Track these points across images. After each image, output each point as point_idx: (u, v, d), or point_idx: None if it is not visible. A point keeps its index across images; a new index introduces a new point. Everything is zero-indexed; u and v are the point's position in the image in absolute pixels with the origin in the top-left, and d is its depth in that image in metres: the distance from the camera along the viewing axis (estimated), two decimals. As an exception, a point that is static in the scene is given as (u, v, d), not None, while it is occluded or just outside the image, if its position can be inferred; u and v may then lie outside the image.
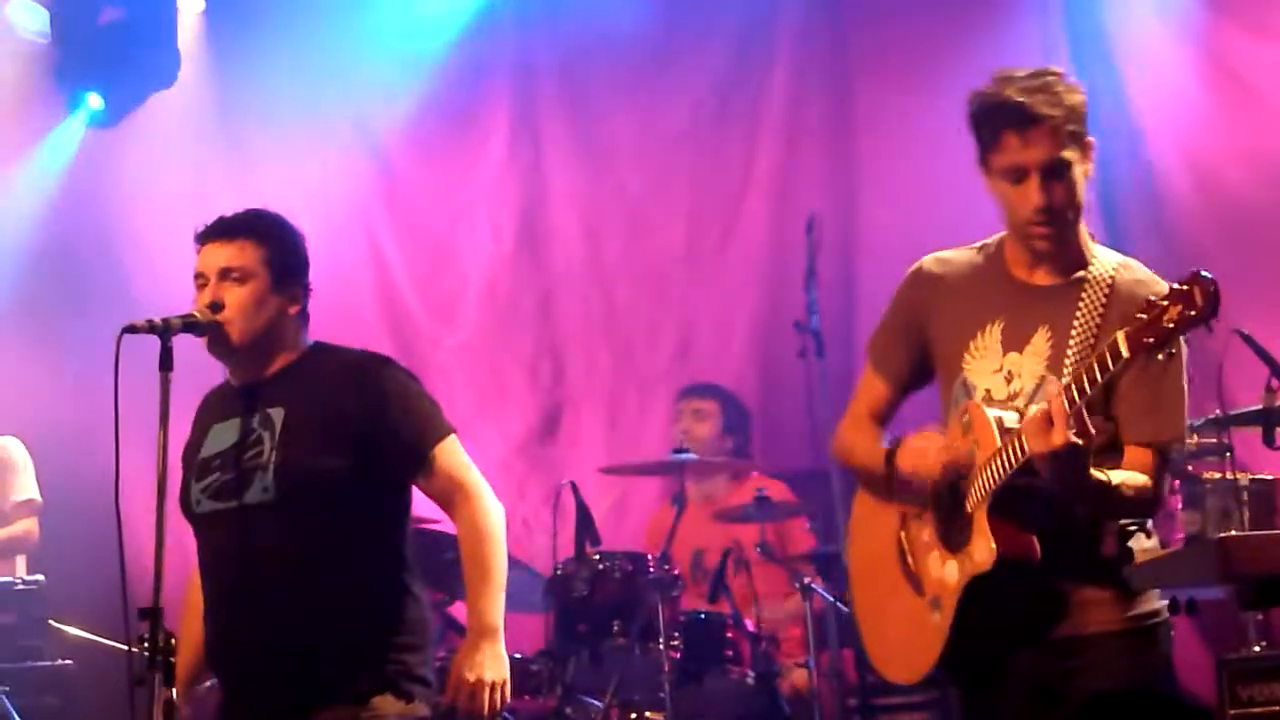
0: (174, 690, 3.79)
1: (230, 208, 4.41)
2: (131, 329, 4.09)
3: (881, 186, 7.87)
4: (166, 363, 4.06)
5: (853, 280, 7.89)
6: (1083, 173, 3.74)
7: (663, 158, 8.38)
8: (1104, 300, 3.71)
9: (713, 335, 8.20)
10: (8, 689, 6.38)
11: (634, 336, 8.38)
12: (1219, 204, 6.98)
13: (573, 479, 6.31)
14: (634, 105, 8.43)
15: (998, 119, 3.71)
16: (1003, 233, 3.92)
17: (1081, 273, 3.77)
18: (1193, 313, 3.24)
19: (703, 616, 6.22)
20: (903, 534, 3.90)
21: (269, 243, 4.31)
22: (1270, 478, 5.78)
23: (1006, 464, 3.55)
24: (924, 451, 3.78)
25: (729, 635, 6.13)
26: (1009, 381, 3.77)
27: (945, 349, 3.91)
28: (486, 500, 4.28)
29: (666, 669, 5.75)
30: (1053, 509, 3.58)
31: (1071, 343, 3.68)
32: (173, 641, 3.85)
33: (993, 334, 3.82)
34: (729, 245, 8.21)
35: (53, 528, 7.22)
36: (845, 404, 7.74)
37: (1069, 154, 3.70)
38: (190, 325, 4.20)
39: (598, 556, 6.07)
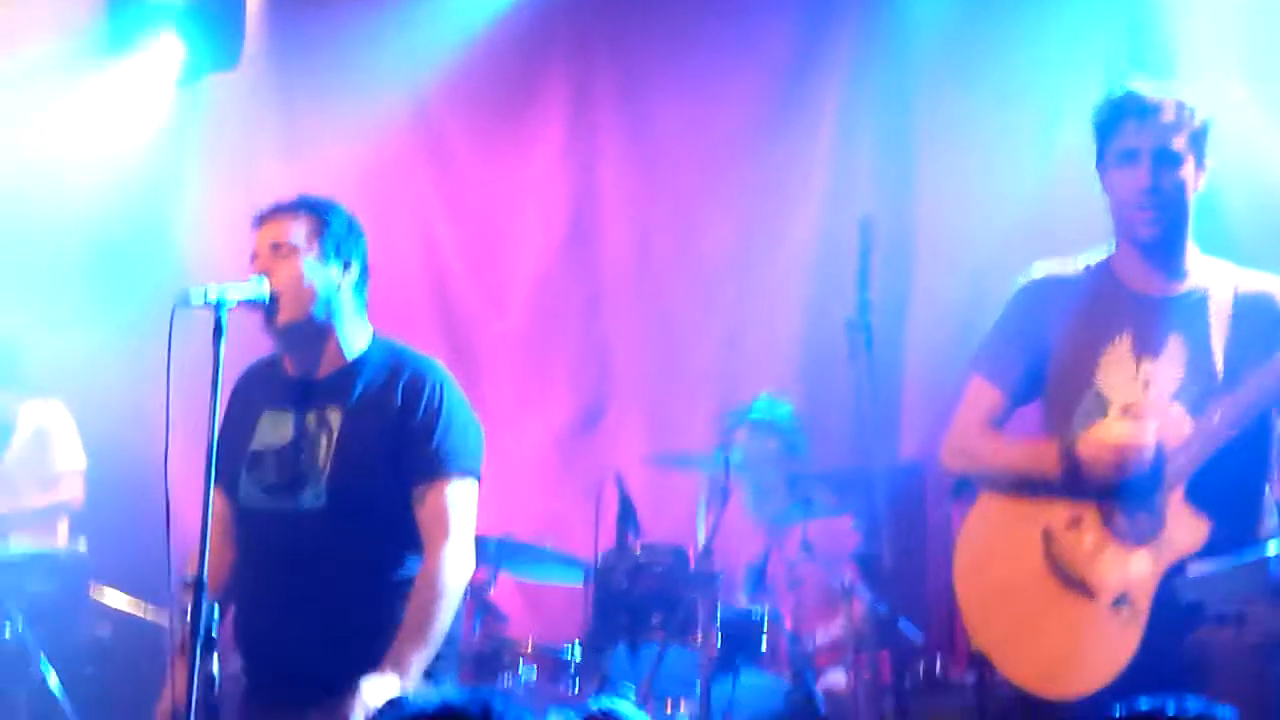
0: (215, 664, 3.81)
1: (284, 190, 4.49)
2: (186, 301, 4.12)
3: (939, 190, 7.81)
4: (220, 334, 4.09)
5: (908, 284, 7.83)
6: (1194, 180, 3.97)
7: (716, 155, 8.34)
8: (1230, 304, 3.91)
9: (761, 336, 8.15)
10: (46, 658, 6.40)
11: (682, 336, 8.33)
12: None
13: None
14: (688, 102, 8.39)
15: (1122, 109, 3.96)
16: (1102, 248, 4.11)
17: (1198, 282, 3.98)
18: None
19: (741, 613, 6.20)
20: (1053, 549, 3.95)
21: (317, 216, 4.39)
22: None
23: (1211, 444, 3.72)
24: (1103, 443, 3.89)
25: (766, 633, 6.11)
26: (1146, 389, 3.91)
27: (1070, 362, 4.04)
28: (461, 556, 4.30)
29: (702, 663, 5.73)
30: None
31: (1213, 345, 3.87)
32: (215, 614, 3.89)
33: (1123, 345, 3.97)
34: (780, 245, 8.16)
35: (99, 497, 7.24)
36: (893, 404, 7.65)
37: (1183, 150, 3.93)
38: (244, 298, 4.23)
39: (639, 549, 6.05)
